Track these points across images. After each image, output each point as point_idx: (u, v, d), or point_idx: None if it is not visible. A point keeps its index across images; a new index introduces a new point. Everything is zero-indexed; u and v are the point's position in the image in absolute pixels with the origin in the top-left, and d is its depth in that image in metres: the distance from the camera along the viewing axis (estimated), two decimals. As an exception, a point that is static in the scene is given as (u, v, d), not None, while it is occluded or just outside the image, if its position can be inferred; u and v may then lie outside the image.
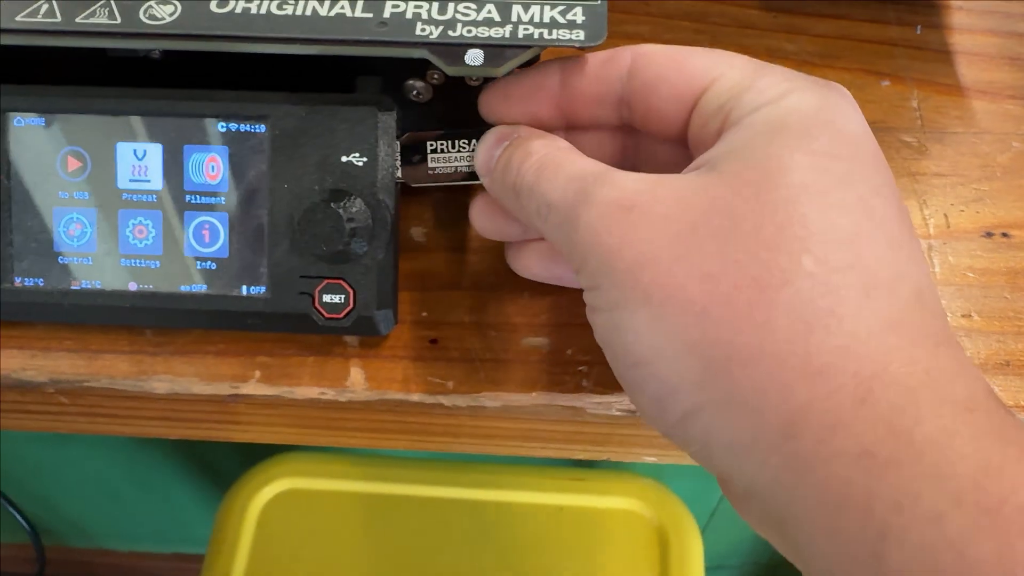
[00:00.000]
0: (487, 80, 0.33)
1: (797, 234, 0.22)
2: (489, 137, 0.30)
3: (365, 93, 0.32)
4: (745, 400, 0.21)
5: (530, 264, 0.31)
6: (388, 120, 0.31)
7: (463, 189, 0.34)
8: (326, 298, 0.31)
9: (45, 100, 0.31)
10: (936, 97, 0.40)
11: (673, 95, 0.27)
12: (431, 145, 0.32)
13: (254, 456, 0.99)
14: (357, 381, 0.32)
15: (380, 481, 0.69)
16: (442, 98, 0.34)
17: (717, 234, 0.22)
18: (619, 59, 0.28)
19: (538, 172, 0.27)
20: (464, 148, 0.32)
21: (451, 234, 0.35)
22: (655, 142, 0.30)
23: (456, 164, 0.32)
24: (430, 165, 0.32)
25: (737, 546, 1.08)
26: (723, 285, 0.22)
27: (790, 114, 0.24)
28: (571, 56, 0.29)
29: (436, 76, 0.33)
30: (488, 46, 0.28)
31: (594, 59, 0.29)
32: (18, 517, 0.76)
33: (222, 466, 1.07)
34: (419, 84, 0.33)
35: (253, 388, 0.32)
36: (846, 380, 0.21)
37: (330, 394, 0.32)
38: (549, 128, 0.30)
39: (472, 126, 0.34)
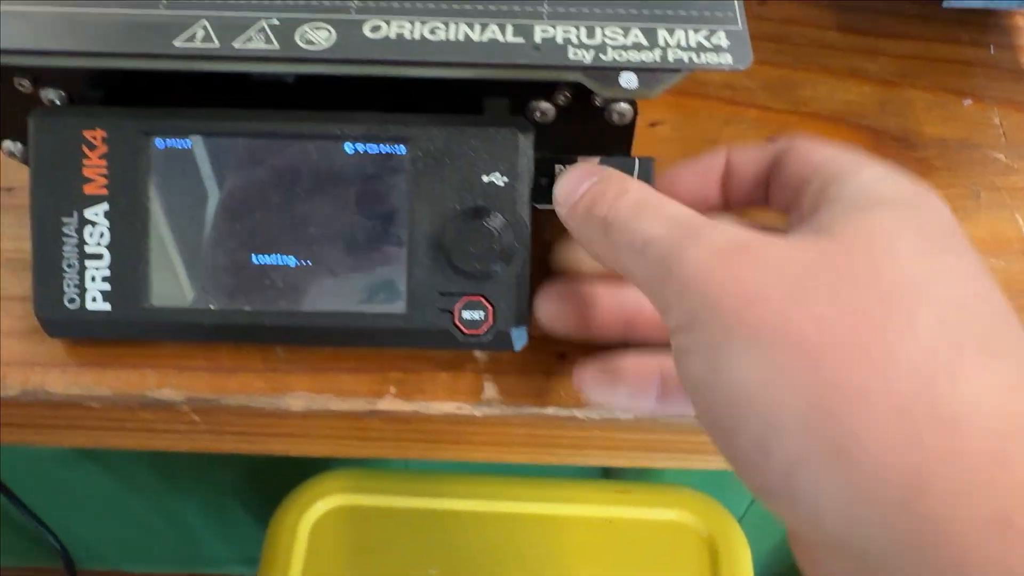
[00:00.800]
0: (610, 102, 0.34)
1: (913, 291, 0.22)
2: (573, 172, 0.30)
3: (494, 115, 0.33)
4: (863, 447, 0.20)
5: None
6: (527, 141, 0.32)
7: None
8: (466, 314, 0.32)
9: (188, 123, 0.32)
10: (1016, 115, 0.41)
11: (794, 171, 0.28)
12: (559, 168, 0.33)
13: (264, 479, 0.99)
14: (492, 395, 0.33)
15: (429, 496, 0.70)
16: (564, 120, 0.35)
17: (831, 284, 0.22)
18: (779, 142, 0.30)
19: (636, 208, 0.27)
20: None
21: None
22: None
23: None
24: None
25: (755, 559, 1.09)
26: (839, 327, 0.21)
27: (888, 192, 0.25)
28: (738, 143, 0.31)
29: (563, 98, 0.34)
30: (640, 70, 0.29)
31: (759, 144, 0.31)
32: (53, 542, 0.76)
33: (235, 487, 1.06)
34: (544, 105, 0.34)
35: (389, 404, 0.33)
36: (979, 436, 0.19)
37: (466, 408, 0.33)
38: (710, 210, 0.31)
39: (592, 149, 0.35)
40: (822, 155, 0.28)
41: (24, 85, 0.34)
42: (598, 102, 0.34)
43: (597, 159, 0.33)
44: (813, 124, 0.41)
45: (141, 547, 1.16)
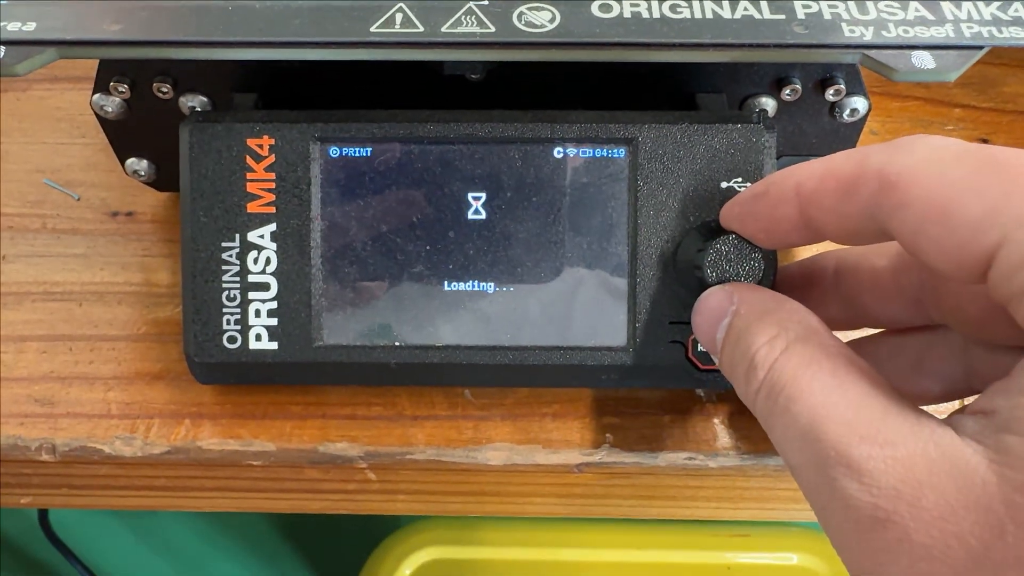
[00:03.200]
0: (848, 95, 0.29)
1: None
2: (703, 310, 0.24)
3: (715, 112, 0.28)
4: None
5: None
6: (772, 141, 0.27)
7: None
8: (702, 347, 0.27)
9: (368, 127, 0.27)
10: None
11: (951, 266, 0.18)
12: None
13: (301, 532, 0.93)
14: (727, 443, 0.28)
15: (529, 546, 0.64)
16: (785, 117, 0.30)
17: None
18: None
19: (768, 402, 0.20)
20: None
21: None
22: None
23: None
24: None
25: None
26: None
27: None
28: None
29: (790, 92, 0.29)
30: (935, 47, 0.24)
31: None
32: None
33: (261, 540, 1.01)
34: (765, 100, 0.29)
35: (607, 455, 0.28)
36: None
37: (699, 459, 0.27)
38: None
39: (811, 149, 0.31)
40: (970, 226, 0.17)
41: (164, 91, 0.29)
42: (831, 96, 0.29)
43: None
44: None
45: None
